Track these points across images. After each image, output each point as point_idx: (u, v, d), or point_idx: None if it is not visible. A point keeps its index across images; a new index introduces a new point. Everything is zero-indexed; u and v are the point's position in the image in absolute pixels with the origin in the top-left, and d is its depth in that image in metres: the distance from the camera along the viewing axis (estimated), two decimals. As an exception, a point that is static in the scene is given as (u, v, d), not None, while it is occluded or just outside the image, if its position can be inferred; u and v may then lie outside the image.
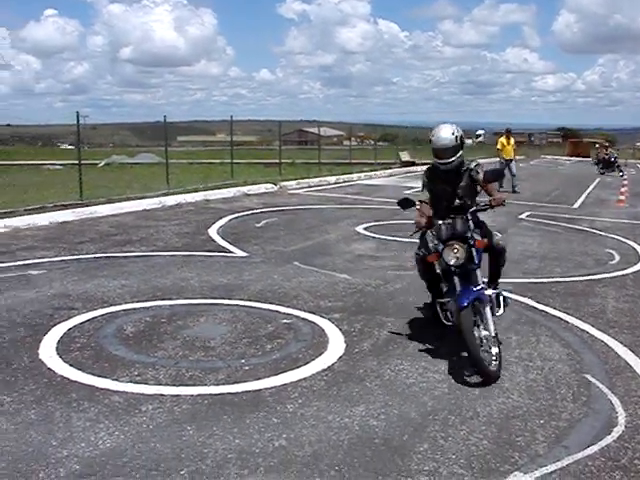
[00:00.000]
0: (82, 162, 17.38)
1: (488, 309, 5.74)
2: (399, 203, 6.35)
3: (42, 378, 5.32)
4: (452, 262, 5.74)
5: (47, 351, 5.91)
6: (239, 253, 10.49)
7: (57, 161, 37.29)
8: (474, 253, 5.78)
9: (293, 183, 22.81)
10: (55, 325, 6.62)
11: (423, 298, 7.80)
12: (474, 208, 6.09)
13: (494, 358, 5.56)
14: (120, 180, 22.10)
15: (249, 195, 19.30)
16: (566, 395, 5.24)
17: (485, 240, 6.00)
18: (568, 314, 7.45)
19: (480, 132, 65.79)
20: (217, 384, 5.27)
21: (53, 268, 9.04)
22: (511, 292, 7.85)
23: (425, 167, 6.69)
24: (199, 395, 5.05)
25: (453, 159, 6.08)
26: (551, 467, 4.12)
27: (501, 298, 6.23)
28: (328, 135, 69.34)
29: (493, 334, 5.62)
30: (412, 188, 22.61)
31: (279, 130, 31.31)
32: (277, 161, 26.71)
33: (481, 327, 5.59)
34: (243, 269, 9.28)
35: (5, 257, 9.77)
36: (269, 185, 21.51)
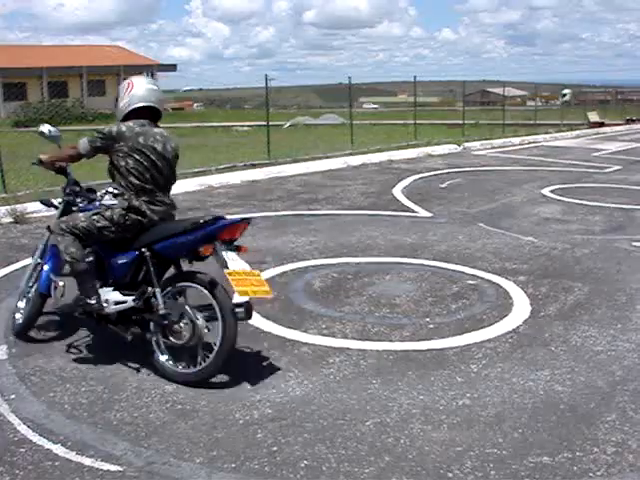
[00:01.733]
0: (269, 124, 17.91)
1: None
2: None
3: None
4: None
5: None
6: (424, 213, 10.49)
7: (245, 123, 38.62)
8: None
9: (477, 144, 22.42)
10: (247, 278, 6.93)
11: (612, 264, 7.53)
12: None
13: None
14: (305, 141, 22.57)
15: (432, 156, 19.16)
16: None
17: None
18: None
19: (566, 91, 62.11)
20: (402, 340, 5.34)
21: (245, 224, 9.43)
22: None
23: None
24: (384, 350, 5.14)
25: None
26: None
27: None
28: (512, 95, 67.49)
29: None
30: (601, 150, 21.64)
31: (463, 90, 30.82)
32: (460, 122, 26.30)
33: None
34: (428, 229, 9.30)
35: (200, 213, 10.29)
36: (452, 146, 21.27)
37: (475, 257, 7.82)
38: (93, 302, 4.81)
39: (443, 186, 13.43)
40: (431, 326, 5.66)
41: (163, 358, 4.71)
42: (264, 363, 4.92)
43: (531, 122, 33.44)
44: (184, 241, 4.67)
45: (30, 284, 5.36)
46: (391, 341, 5.33)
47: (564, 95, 59.40)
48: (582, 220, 10.09)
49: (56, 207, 5.47)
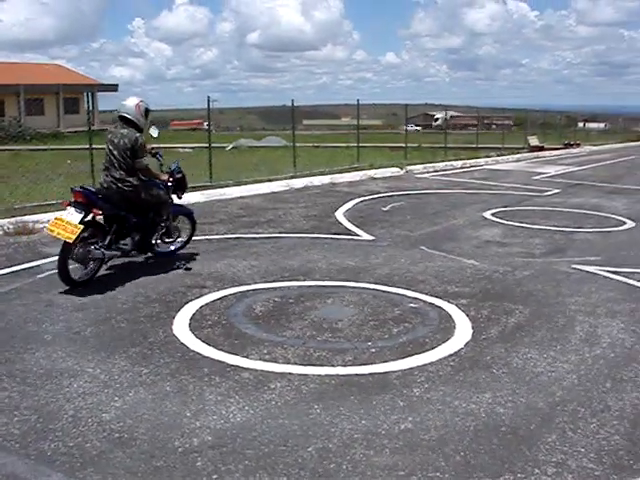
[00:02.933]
0: (211, 145, 17.82)
1: None
2: None
3: (176, 352, 5.52)
4: None
5: (180, 327, 6.13)
6: (366, 236, 10.52)
7: (187, 144, 38.41)
8: None
9: (419, 167, 22.67)
10: (188, 302, 6.85)
11: (552, 287, 7.64)
12: None
13: None
14: (248, 163, 22.54)
15: (375, 179, 19.31)
16: None
17: None
18: None
19: (438, 116, 69.31)
20: (344, 365, 5.31)
21: (185, 247, 9.32)
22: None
23: None
24: (326, 375, 5.10)
25: None
26: (692, 468, 3.90)
27: None
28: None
29: None
30: (540, 174, 22.08)
31: (405, 114, 31.16)
32: (403, 145, 26.57)
33: None
34: (370, 252, 9.31)
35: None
36: (395, 169, 21.46)
37: (417, 280, 7.85)
38: None
39: (385, 209, 13.51)
40: (373, 350, 5.65)
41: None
42: (204, 389, 4.84)
43: (473, 146, 33.97)
44: None
45: None
46: (333, 366, 5.30)
47: (436, 119, 63.07)
48: (523, 243, 10.24)
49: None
